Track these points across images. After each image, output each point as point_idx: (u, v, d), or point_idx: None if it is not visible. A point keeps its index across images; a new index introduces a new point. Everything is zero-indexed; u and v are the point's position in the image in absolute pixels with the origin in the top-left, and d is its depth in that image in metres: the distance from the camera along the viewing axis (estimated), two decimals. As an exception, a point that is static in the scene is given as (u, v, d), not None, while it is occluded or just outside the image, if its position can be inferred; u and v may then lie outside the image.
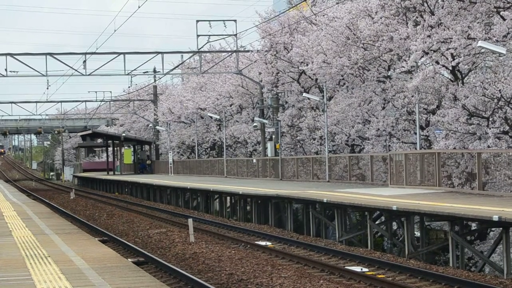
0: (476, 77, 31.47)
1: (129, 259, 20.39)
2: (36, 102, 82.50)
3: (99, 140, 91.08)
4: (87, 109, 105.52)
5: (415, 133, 34.01)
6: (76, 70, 52.36)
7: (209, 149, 69.32)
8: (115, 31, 54.34)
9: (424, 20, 31.69)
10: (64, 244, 20.66)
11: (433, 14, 31.63)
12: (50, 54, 51.22)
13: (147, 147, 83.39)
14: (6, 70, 50.92)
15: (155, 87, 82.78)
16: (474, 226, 25.89)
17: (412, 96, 32.76)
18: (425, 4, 32.14)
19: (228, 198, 43.78)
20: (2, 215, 32.72)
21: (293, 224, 33.90)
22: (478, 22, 29.97)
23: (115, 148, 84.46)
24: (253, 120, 56.50)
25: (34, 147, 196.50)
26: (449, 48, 30.10)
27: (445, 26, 30.75)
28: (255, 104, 57.85)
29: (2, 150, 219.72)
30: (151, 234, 30.70)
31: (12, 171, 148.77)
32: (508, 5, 29.07)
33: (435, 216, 22.08)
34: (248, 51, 53.75)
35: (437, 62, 30.83)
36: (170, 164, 69.98)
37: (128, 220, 37.74)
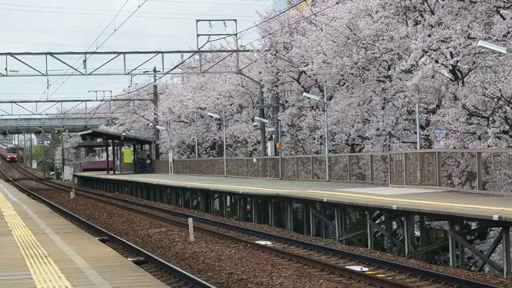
0: (476, 76, 31.46)
1: (129, 259, 20.39)
2: (36, 101, 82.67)
3: (99, 140, 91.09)
4: (87, 108, 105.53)
5: (415, 133, 34.01)
6: (76, 70, 52.37)
7: (209, 148, 69.32)
8: (115, 30, 54.53)
9: (424, 20, 31.70)
10: (64, 244, 20.65)
11: (433, 14, 31.64)
12: (50, 53, 51.22)
13: (147, 146, 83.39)
14: (6, 69, 50.96)
15: (155, 86, 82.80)
16: (474, 225, 25.89)
17: (412, 96, 32.76)
18: (425, 4, 32.14)
19: (228, 197, 43.78)
20: (2, 214, 32.72)
21: (293, 224, 33.90)
22: (478, 22, 29.98)
23: (115, 148, 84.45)
24: (253, 120, 56.50)
25: (34, 147, 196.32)
26: (449, 47, 30.12)
27: (445, 26, 30.76)
28: (255, 104, 57.86)
29: (15, 156, 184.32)
30: (151, 233, 30.71)
31: (12, 170, 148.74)
32: (508, 4, 29.07)
33: (435, 215, 22.08)
34: (248, 50, 53.75)
35: (437, 61, 30.83)
36: (170, 163, 69.99)
37: (128, 219, 37.76)
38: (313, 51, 39.45)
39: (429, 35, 30.80)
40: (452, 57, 30.26)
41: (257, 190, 36.14)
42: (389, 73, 37.31)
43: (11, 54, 50.62)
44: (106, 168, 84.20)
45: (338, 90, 42.34)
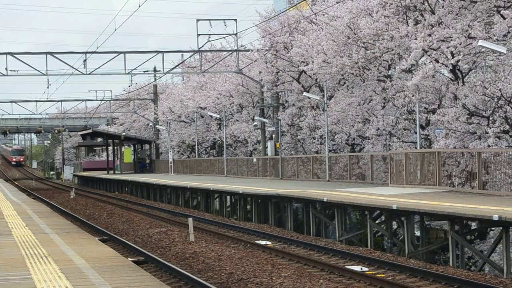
0: (476, 76, 31.45)
1: (129, 258, 20.39)
2: (37, 101, 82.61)
3: (99, 139, 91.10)
4: (87, 108, 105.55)
5: (415, 132, 34.00)
6: (76, 69, 52.34)
7: (209, 148, 69.32)
8: (115, 30, 54.57)
9: (425, 19, 31.69)
10: (64, 244, 20.65)
11: (434, 13, 31.63)
12: (51, 53, 51.20)
13: (147, 146, 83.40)
14: (6, 69, 50.99)
15: (155, 86, 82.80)
16: (474, 225, 25.88)
17: (413, 96, 32.75)
18: (426, 3, 32.13)
19: (228, 197, 43.77)
20: (2, 214, 32.71)
21: (293, 224, 33.89)
22: (478, 21, 29.97)
23: (115, 147, 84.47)
24: (253, 119, 56.49)
25: (34, 146, 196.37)
26: (449, 47, 30.12)
27: (445, 25, 30.75)
28: (255, 103, 57.85)
29: (22, 159, 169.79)
30: (151, 233, 30.71)
31: (12, 170, 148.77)
32: (508, 4, 29.06)
33: (435, 215, 22.08)
34: (248, 50, 53.77)
35: (437, 61, 30.83)
36: (170, 163, 69.99)
37: (128, 219, 37.76)
38: (313, 51, 39.44)
39: (430, 35, 30.79)
40: (452, 57, 30.25)
41: (257, 190, 36.13)
42: (389, 73, 37.29)
43: (11, 53, 50.61)
44: (106, 168, 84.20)
45: (338, 90, 42.33)
